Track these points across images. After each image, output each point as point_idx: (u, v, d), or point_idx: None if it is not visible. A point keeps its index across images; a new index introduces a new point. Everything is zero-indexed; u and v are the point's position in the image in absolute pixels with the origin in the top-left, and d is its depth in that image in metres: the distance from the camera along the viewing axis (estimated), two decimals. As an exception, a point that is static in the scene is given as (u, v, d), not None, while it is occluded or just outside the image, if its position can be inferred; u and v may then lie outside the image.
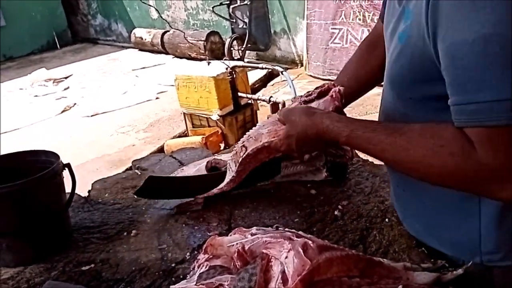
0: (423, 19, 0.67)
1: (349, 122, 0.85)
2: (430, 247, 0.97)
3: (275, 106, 3.51)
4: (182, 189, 1.29)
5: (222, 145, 3.60)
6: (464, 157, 0.66)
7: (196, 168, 1.47)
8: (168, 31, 7.15)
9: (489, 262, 0.86)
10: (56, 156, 1.17)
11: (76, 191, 1.44)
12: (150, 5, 7.48)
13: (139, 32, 7.91)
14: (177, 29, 6.55)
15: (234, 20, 5.93)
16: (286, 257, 0.79)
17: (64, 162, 1.19)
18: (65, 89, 6.38)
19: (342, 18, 4.89)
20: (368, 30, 4.63)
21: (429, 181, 0.77)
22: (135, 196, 1.32)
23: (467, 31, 0.60)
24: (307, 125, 0.90)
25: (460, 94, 0.65)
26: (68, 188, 1.22)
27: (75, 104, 5.65)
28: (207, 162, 1.41)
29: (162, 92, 5.65)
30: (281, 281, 0.77)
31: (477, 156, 0.65)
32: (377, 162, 1.54)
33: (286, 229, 0.96)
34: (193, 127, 3.89)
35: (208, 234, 1.13)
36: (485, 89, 0.60)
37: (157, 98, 5.52)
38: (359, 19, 4.75)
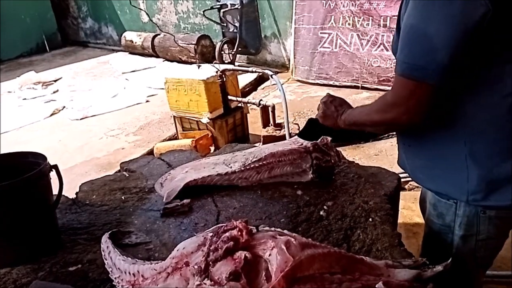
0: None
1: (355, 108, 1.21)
2: (432, 190, 1.12)
3: (264, 110, 3.53)
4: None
5: (212, 148, 3.60)
6: (381, 104, 1.04)
7: (184, 171, 1.49)
8: (159, 34, 7.15)
9: (474, 201, 1.02)
10: (43, 157, 1.18)
11: (65, 193, 1.44)
12: (140, 9, 7.47)
13: (129, 35, 7.89)
14: (167, 33, 6.54)
15: (225, 24, 5.95)
16: (270, 255, 0.81)
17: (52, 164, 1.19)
18: (54, 92, 6.32)
19: (332, 23, 4.93)
20: (358, 35, 4.67)
21: (376, 128, 1.14)
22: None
23: (408, 18, 0.93)
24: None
25: (398, 54, 0.97)
26: (55, 190, 1.22)
27: (64, 107, 5.60)
28: None
29: (152, 95, 5.64)
30: (265, 278, 0.79)
31: (386, 98, 1.02)
32: (362, 163, 1.58)
33: (273, 228, 0.97)
34: (183, 130, 3.89)
35: (195, 234, 1.14)
36: (402, 54, 0.94)
37: (147, 101, 5.50)
38: (349, 24, 4.79)
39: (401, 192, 1.31)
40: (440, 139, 1.04)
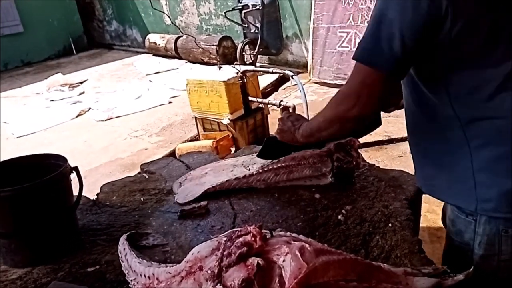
0: None
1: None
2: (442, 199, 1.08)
3: (285, 110, 3.51)
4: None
5: (233, 149, 3.61)
6: (334, 99, 1.05)
7: (204, 172, 1.49)
8: (182, 36, 7.23)
9: (483, 211, 0.96)
10: (64, 159, 1.20)
11: (89, 193, 1.48)
12: (163, 12, 7.57)
13: (153, 38, 8.01)
14: (189, 35, 6.61)
15: (246, 25, 5.96)
16: (284, 260, 0.79)
17: (78, 165, 1.22)
18: (80, 93, 6.48)
19: (350, 21, 4.84)
20: None
21: (331, 129, 1.10)
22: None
23: (375, 6, 0.93)
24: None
25: (360, 39, 0.96)
26: (77, 191, 1.24)
27: (89, 108, 5.74)
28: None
29: (175, 96, 5.70)
30: (278, 284, 0.78)
31: (341, 90, 1.02)
32: (383, 166, 1.54)
33: (288, 232, 0.96)
34: (204, 131, 3.92)
35: (211, 237, 1.14)
36: (363, 39, 0.94)
37: (170, 102, 5.57)
38: (367, 22, 4.71)
39: (424, 196, 1.27)
40: (440, 145, 1.01)
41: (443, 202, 1.28)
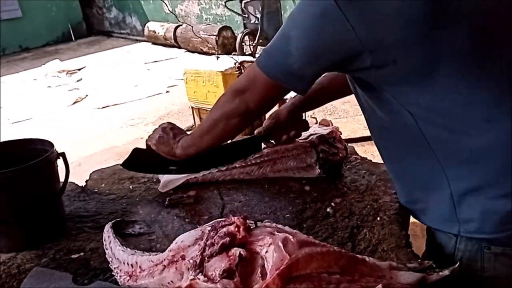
0: None
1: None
2: (424, 223, 1.05)
3: (282, 102, 3.49)
4: (167, 163, 1.29)
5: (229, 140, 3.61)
6: (223, 97, 1.10)
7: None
8: (181, 25, 7.18)
9: (466, 232, 0.92)
10: (51, 144, 1.18)
11: (82, 181, 1.47)
12: (163, 0, 7.51)
13: (152, 26, 7.96)
14: (189, 24, 6.56)
15: (246, 15, 5.92)
16: (266, 251, 0.78)
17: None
18: (78, 80, 6.46)
19: None
20: None
21: (216, 133, 1.13)
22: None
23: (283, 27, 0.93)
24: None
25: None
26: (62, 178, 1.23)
27: (87, 95, 5.72)
28: None
29: (173, 86, 5.69)
30: (260, 275, 0.77)
31: (231, 87, 1.08)
32: (375, 160, 1.53)
33: (274, 224, 0.95)
34: (201, 121, 3.91)
35: (198, 226, 1.13)
36: (268, 46, 0.96)
37: (167, 91, 5.55)
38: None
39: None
40: (413, 166, 0.98)
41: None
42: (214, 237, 0.82)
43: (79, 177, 1.50)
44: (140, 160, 1.32)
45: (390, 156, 1.07)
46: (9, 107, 5.55)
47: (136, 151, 1.32)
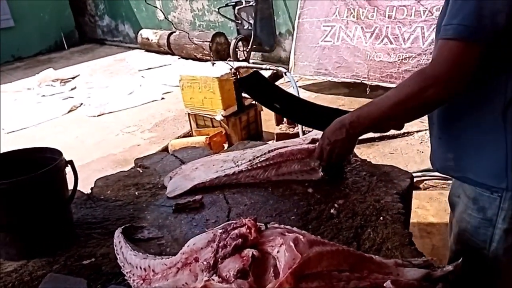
0: None
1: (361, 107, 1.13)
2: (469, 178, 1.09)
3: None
4: (273, 100, 1.30)
5: (226, 145, 3.62)
6: (416, 83, 0.98)
7: (194, 167, 1.50)
8: (174, 32, 7.20)
9: None
10: (59, 153, 1.21)
11: (81, 189, 1.48)
12: (156, 7, 7.53)
13: (145, 33, 7.97)
14: (183, 30, 6.59)
15: (240, 21, 5.96)
16: (278, 251, 0.81)
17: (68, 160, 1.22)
18: (72, 89, 6.44)
19: (336, 15, 4.72)
20: (362, 27, 4.44)
21: (407, 114, 1.05)
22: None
23: None
24: (335, 131, 1.17)
25: (449, 19, 0.93)
26: (71, 185, 1.25)
27: (81, 104, 5.70)
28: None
29: (168, 92, 5.70)
30: (273, 275, 0.79)
31: (425, 72, 0.96)
32: (376, 162, 1.57)
33: (282, 225, 0.98)
34: (197, 127, 3.92)
35: (206, 230, 1.16)
36: (457, 18, 0.91)
37: (162, 98, 5.56)
38: (353, 16, 4.58)
39: (415, 192, 1.30)
40: (476, 126, 1.03)
41: (433, 196, 1.30)
42: (226, 239, 0.85)
43: (79, 185, 1.51)
44: (256, 84, 1.32)
45: (455, 121, 1.07)
46: (3, 117, 5.52)
47: (255, 74, 1.33)
